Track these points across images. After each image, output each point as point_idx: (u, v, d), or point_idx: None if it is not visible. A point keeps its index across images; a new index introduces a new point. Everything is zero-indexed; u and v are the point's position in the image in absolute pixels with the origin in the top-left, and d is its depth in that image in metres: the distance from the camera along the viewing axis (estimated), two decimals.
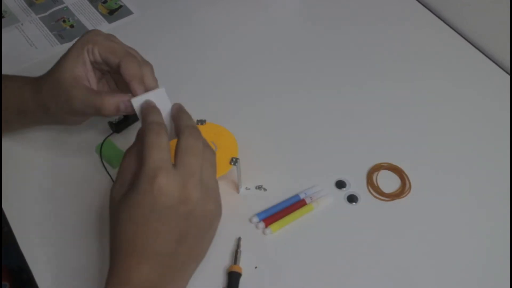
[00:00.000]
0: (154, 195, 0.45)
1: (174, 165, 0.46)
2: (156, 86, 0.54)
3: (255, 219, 0.60)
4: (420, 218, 0.61)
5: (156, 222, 0.45)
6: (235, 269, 0.55)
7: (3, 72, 0.64)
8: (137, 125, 0.68)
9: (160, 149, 0.46)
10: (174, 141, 0.49)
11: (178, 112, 0.51)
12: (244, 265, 0.56)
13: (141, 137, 0.47)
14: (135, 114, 0.52)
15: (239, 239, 0.58)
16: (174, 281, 0.48)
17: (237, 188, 0.62)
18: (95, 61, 0.56)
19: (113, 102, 0.53)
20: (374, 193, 0.63)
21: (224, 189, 0.61)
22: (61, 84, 0.54)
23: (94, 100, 0.53)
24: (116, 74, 0.56)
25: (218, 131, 0.62)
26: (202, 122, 0.58)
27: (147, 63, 0.56)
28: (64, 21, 0.82)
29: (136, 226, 0.46)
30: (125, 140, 0.66)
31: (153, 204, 0.45)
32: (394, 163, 0.65)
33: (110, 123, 0.66)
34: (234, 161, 0.59)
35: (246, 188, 0.63)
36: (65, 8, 0.84)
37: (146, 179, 0.45)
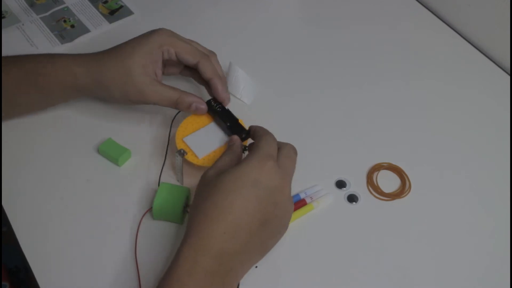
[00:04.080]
0: (261, 172, 0.50)
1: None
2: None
3: None
4: (420, 217, 0.61)
5: (254, 198, 0.49)
6: None
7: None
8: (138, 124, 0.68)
9: (273, 145, 0.54)
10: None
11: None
12: None
13: (257, 135, 0.56)
14: None
15: None
16: (241, 263, 0.50)
17: None
18: (169, 59, 0.63)
19: (189, 101, 0.61)
20: (374, 193, 0.63)
21: None
22: (132, 77, 0.60)
23: (172, 95, 0.61)
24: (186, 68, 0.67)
25: None
26: (182, 153, 0.60)
27: (214, 56, 0.65)
28: (64, 21, 0.82)
29: (235, 196, 0.49)
30: (127, 139, 0.66)
31: (258, 180, 0.50)
32: (394, 163, 0.65)
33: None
34: (243, 148, 0.60)
35: None
36: (65, 8, 0.84)
37: (258, 158, 0.51)
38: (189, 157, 0.60)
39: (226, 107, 0.64)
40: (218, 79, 0.63)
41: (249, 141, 0.61)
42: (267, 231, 0.51)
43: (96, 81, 0.61)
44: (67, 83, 0.62)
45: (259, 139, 0.55)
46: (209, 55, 0.64)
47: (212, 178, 0.52)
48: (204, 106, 0.62)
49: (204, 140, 0.61)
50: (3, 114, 0.64)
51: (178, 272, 0.47)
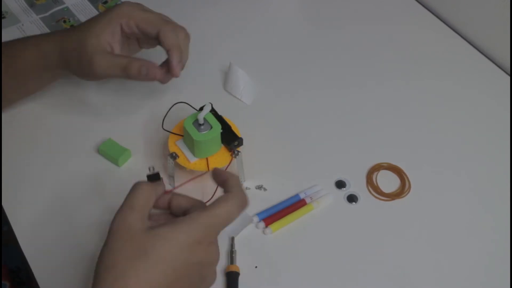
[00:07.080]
0: (208, 252, 0.45)
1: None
2: (186, 51, 0.61)
3: (255, 219, 0.60)
4: (420, 218, 0.61)
5: (190, 277, 0.44)
6: (233, 269, 0.55)
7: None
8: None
9: (236, 208, 0.46)
10: None
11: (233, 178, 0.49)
12: (244, 265, 0.56)
13: (224, 185, 0.48)
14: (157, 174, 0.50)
15: (232, 239, 0.58)
16: None
17: None
18: (131, 32, 0.61)
19: (137, 65, 0.58)
20: (374, 193, 0.63)
21: None
22: (85, 47, 0.59)
23: (120, 61, 0.58)
24: (150, 40, 0.62)
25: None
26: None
27: (181, 29, 0.61)
28: (64, 21, 0.82)
29: (173, 271, 0.43)
30: (127, 139, 0.66)
31: (204, 258, 0.45)
32: (394, 163, 0.65)
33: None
34: (235, 153, 0.59)
35: (246, 188, 0.63)
36: (65, 9, 0.84)
37: (211, 233, 0.45)
38: (180, 160, 0.60)
39: (219, 114, 0.62)
40: (177, 50, 0.58)
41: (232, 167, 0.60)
42: None
43: (61, 57, 0.61)
44: (39, 64, 0.62)
45: (228, 198, 0.46)
46: (175, 27, 0.60)
47: (139, 232, 0.44)
48: (155, 70, 0.58)
49: None
50: None
51: None
